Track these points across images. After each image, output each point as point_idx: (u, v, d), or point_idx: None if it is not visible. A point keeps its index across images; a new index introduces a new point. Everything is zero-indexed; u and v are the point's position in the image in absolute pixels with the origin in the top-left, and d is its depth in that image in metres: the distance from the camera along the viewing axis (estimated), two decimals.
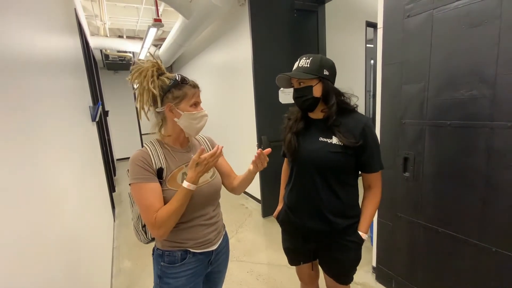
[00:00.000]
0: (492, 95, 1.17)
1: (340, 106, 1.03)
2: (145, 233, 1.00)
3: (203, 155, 0.84)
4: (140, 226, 0.99)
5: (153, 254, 0.99)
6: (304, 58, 1.03)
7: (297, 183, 1.11)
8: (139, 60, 0.91)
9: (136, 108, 0.91)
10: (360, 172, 1.09)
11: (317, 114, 1.08)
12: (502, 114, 1.15)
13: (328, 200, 1.05)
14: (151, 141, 0.94)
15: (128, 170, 0.95)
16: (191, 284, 0.94)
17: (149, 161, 0.87)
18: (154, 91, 0.85)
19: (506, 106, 1.14)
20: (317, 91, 1.01)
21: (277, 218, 1.25)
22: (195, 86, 0.92)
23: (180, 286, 0.92)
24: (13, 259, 0.62)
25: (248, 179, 1.03)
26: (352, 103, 1.08)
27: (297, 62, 1.05)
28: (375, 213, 1.09)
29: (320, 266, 1.21)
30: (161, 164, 0.89)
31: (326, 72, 1.02)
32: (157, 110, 0.91)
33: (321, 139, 1.04)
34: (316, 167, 1.04)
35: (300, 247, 1.18)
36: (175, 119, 0.90)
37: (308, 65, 1.01)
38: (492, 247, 1.25)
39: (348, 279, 1.15)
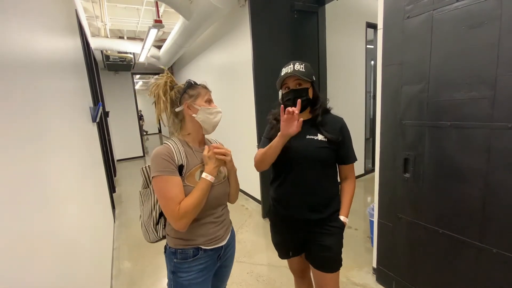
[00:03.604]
0: (492, 96, 1.17)
1: (323, 108, 1.17)
2: (156, 231, 1.04)
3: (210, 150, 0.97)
4: (152, 224, 1.03)
5: (165, 252, 1.05)
6: (298, 63, 1.13)
7: (286, 178, 1.19)
8: (156, 78, 1.02)
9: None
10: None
11: (303, 116, 1.17)
12: (502, 115, 1.15)
13: (316, 191, 1.16)
14: (172, 139, 1.00)
15: (144, 168, 1.03)
16: (202, 277, 1.01)
17: (173, 156, 0.93)
18: (164, 98, 0.98)
19: (506, 107, 1.14)
20: (310, 93, 1.14)
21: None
22: (205, 88, 1.04)
23: (192, 279, 0.98)
24: (13, 260, 0.62)
25: (231, 180, 1.10)
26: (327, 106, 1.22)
27: (291, 66, 1.12)
28: (352, 199, 1.22)
29: (307, 259, 1.25)
30: (182, 161, 0.95)
31: (314, 78, 1.15)
32: (177, 110, 1.00)
33: (308, 136, 1.14)
34: (305, 161, 1.14)
35: (289, 238, 1.27)
36: (193, 115, 0.98)
37: (304, 70, 1.11)
38: (492, 248, 1.25)
39: (334, 265, 1.18)
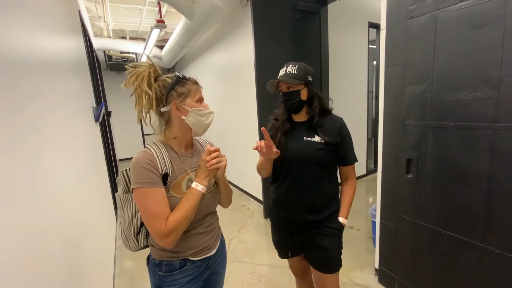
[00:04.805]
0: (496, 97, 1.16)
1: (321, 108, 1.16)
2: (137, 240, 0.95)
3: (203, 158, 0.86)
4: (132, 233, 0.94)
5: (148, 264, 0.95)
6: (291, 65, 1.13)
7: (285, 180, 1.19)
8: (135, 64, 0.88)
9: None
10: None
11: (301, 117, 1.19)
12: (506, 116, 1.14)
13: (313, 193, 1.15)
14: (154, 143, 0.87)
15: (124, 171, 0.91)
16: None
17: (155, 164, 0.81)
18: (150, 92, 0.83)
19: (510, 107, 1.13)
20: (303, 95, 1.14)
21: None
22: (196, 83, 0.91)
23: None
24: (15, 259, 0.62)
25: (221, 187, 0.99)
26: (328, 106, 1.21)
27: (284, 69, 1.14)
28: (352, 200, 1.21)
29: (306, 259, 1.25)
30: (166, 168, 0.83)
31: (310, 78, 1.14)
32: (162, 109, 0.86)
33: (305, 138, 1.15)
34: (303, 163, 1.14)
35: (288, 239, 1.27)
36: (183, 117, 0.86)
37: (296, 72, 1.11)
38: (496, 250, 1.24)
39: (333, 266, 1.18)
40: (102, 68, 5.65)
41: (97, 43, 4.79)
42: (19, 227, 0.66)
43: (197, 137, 1.03)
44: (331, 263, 1.18)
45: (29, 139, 0.80)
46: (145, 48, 4.82)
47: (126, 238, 0.96)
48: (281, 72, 1.14)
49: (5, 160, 0.63)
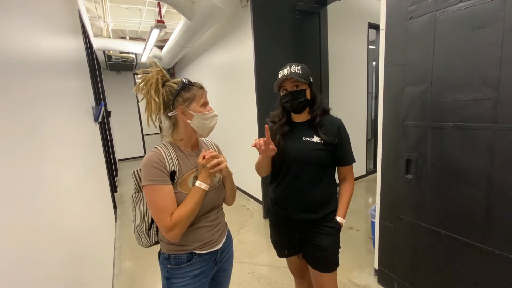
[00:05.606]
0: (496, 97, 1.16)
1: (322, 108, 1.17)
2: (148, 236, 1.01)
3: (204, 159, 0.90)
4: (144, 229, 0.99)
5: (159, 257, 1.01)
6: (294, 65, 1.13)
7: (284, 179, 1.20)
8: (144, 70, 0.92)
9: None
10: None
11: (302, 117, 1.20)
12: (505, 116, 1.15)
13: (311, 192, 1.16)
14: (163, 144, 0.94)
15: (136, 171, 0.98)
16: (198, 283, 0.96)
17: (164, 163, 0.88)
18: (157, 99, 0.89)
19: (510, 108, 1.13)
20: (308, 94, 1.15)
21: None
22: (201, 87, 0.96)
23: (187, 285, 0.94)
24: (15, 259, 0.62)
25: (227, 185, 1.04)
26: (327, 106, 1.22)
27: (288, 68, 1.13)
28: (350, 200, 1.22)
29: (304, 259, 1.26)
30: (174, 166, 0.90)
31: (311, 79, 1.15)
32: (169, 114, 0.93)
33: (304, 138, 1.16)
34: (302, 163, 1.15)
35: (286, 238, 1.28)
36: (188, 121, 0.92)
37: (300, 71, 1.12)
38: (495, 250, 1.24)
39: (330, 265, 1.20)
40: (101, 68, 5.64)
41: (97, 43, 4.78)
42: (18, 227, 0.66)
43: (202, 138, 1.08)
44: (329, 262, 1.19)
45: (28, 139, 0.80)
46: (144, 48, 4.81)
47: (139, 234, 1.01)
48: (284, 71, 1.13)
49: (5, 160, 0.63)
